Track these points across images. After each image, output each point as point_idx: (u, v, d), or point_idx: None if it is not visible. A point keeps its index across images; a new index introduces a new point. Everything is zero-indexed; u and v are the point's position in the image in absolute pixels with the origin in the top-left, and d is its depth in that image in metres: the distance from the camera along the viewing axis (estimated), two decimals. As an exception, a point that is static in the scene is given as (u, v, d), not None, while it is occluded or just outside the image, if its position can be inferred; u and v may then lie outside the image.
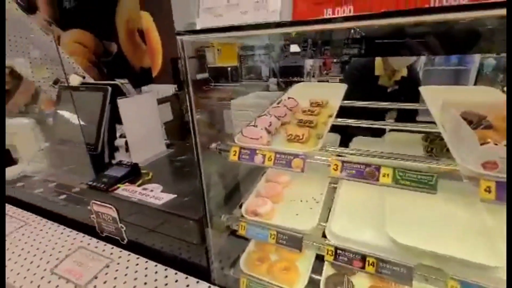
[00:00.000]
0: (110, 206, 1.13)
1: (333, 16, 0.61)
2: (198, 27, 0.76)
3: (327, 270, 0.93)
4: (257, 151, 0.76)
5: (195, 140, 0.80)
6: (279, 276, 0.92)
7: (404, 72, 1.73)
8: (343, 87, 1.26)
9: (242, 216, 0.93)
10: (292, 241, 0.82)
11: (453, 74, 2.87)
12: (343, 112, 1.12)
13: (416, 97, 1.24)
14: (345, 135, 1.33)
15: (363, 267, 0.72)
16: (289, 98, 1.09)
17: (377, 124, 1.14)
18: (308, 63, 3.67)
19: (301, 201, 1.05)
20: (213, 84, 3.97)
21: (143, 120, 1.42)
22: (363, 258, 0.72)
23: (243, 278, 0.94)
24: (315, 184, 1.11)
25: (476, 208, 0.84)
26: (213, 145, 0.84)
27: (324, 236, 0.85)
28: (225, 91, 3.75)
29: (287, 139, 0.80)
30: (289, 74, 3.71)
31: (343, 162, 0.68)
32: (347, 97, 1.21)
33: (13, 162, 1.66)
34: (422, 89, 1.14)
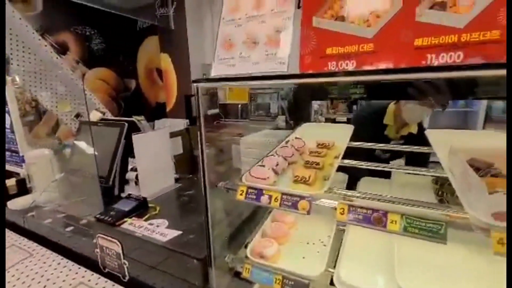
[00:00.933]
0: (115, 240, 1.13)
1: (337, 69, 0.67)
2: (213, 74, 0.84)
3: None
4: (264, 192, 0.77)
5: (204, 179, 0.82)
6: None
7: (414, 129, 1.60)
8: (350, 128, 1.29)
9: (247, 257, 0.91)
10: (298, 287, 0.79)
11: (461, 117, 2.86)
12: (351, 152, 1.13)
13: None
14: (353, 175, 1.33)
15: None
16: (296, 138, 1.12)
17: (386, 167, 1.13)
18: (316, 102, 3.80)
19: (308, 243, 1.02)
20: (223, 119, 4.13)
21: (155, 155, 1.48)
22: (374, 310, 0.68)
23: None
24: (323, 226, 1.08)
25: (492, 258, 0.79)
26: (221, 184, 0.86)
27: (332, 283, 0.81)
28: (235, 127, 3.86)
29: (293, 180, 0.81)
30: (296, 112, 3.82)
31: (349, 206, 0.68)
32: (353, 138, 1.23)
33: (27, 191, 1.70)
34: (428, 132, 1.16)
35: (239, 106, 4.14)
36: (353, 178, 1.34)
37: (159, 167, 1.51)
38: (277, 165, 0.89)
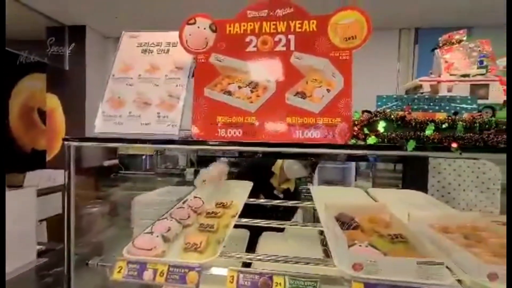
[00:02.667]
0: None
1: (226, 136, 0.72)
2: (96, 131, 0.75)
3: None
4: (148, 266, 0.67)
5: (69, 256, 0.66)
6: None
7: (292, 187, 1.76)
8: (250, 185, 1.36)
9: None
10: None
11: (340, 170, 3.68)
12: (249, 207, 1.16)
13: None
14: (254, 230, 1.35)
15: None
16: (195, 197, 1.08)
17: (285, 224, 1.21)
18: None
19: (204, 318, 0.91)
20: (123, 171, 3.66)
21: (6, 225, 1.12)
22: None
23: None
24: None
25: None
26: (93, 261, 0.70)
27: None
28: (137, 181, 3.47)
29: (183, 248, 0.75)
30: (206, 164, 3.82)
31: (239, 272, 0.67)
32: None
33: None
34: (312, 188, 1.34)
35: (143, 157, 3.82)
36: (254, 233, 1.36)
37: (11, 239, 1.14)
38: (168, 230, 0.81)
